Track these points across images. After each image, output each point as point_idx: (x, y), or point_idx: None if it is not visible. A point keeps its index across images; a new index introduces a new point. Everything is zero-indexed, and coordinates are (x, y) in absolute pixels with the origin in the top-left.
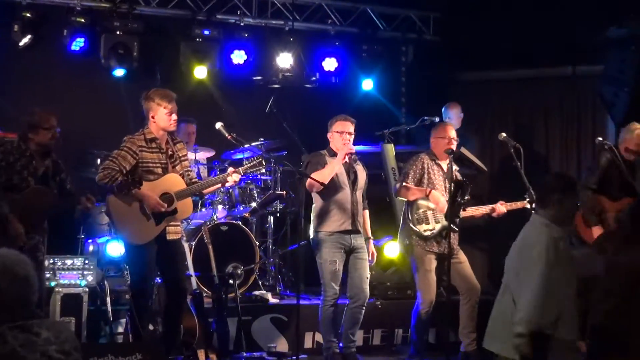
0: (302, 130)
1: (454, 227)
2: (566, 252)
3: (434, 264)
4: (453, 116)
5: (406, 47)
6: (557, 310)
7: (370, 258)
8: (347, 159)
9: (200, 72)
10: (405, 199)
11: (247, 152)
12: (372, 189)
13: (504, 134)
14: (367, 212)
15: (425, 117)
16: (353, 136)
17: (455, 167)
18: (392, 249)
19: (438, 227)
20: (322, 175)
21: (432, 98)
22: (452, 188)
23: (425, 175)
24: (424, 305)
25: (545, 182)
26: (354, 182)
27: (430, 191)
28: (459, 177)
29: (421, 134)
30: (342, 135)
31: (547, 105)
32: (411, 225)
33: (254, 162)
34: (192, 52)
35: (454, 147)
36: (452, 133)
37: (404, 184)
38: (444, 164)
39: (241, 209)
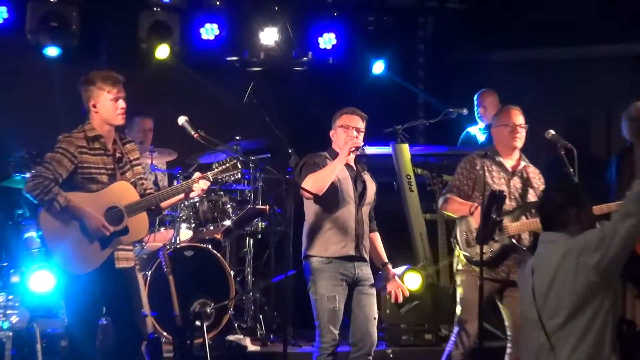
0: (291, 127)
1: (517, 247)
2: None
3: (484, 294)
4: (488, 107)
5: (424, 19)
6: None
7: (393, 290)
8: (353, 156)
9: (161, 51)
10: (452, 215)
11: (222, 156)
12: (382, 203)
13: (552, 131)
14: (377, 234)
15: (450, 109)
16: (362, 134)
17: (527, 165)
18: (413, 280)
19: (496, 247)
20: (319, 179)
21: (459, 84)
22: (485, 201)
23: (481, 182)
24: (464, 342)
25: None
26: (361, 195)
27: (475, 208)
28: (536, 180)
29: (445, 130)
30: (347, 131)
31: (610, 93)
32: (459, 248)
33: (227, 164)
34: (149, 26)
35: (520, 139)
36: (519, 119)
37: (447, 195)
38: (510, 162)
39: (211, 228)
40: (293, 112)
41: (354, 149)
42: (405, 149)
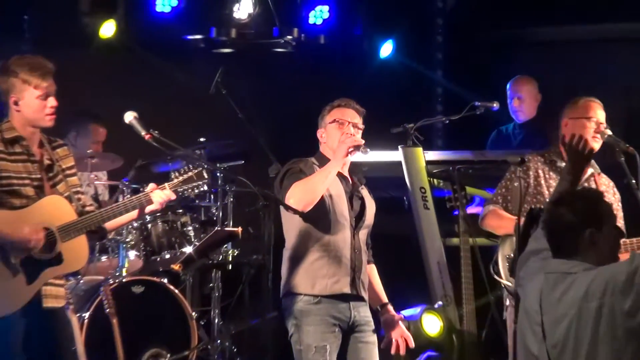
0: (271, 126)
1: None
2: None
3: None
4: (526, 98)
5: None
6: None
7: (394, 339)
8: (348, 164)
9: (106, 29)
10: (495, 232)
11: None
12: (388, 224)
13: (608, 131)
14: (374, 267)
15: (477, 102)
16: (360, 132)
17: (597, 173)
18: (430, 324)
19: None
20: (308, 188)
21: (488, 70)
22: (522, 222)
23: (534, 191)
24: None
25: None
26: (358, 216)
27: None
28: (609, 193)
29: (470, 130)
30: (341, 127)
31: None
32: (501, 276)
33: (189, 174)
34: None
35: (598, 140)
36: (602, 115)
37: (490, 207)
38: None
39: (167, 257)
40: (274, 107)
41: (352, 148)
42: (419, 155)
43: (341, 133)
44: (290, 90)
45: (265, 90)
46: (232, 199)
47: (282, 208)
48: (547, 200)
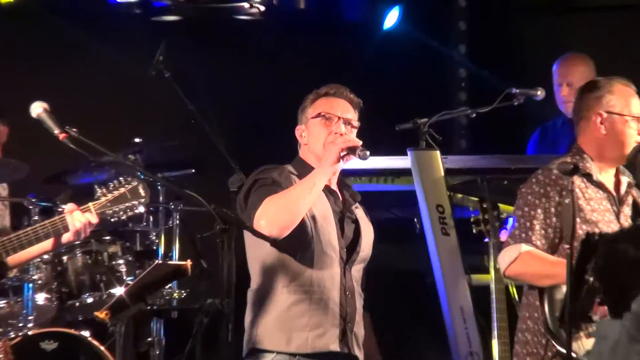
0: (231, 121)
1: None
2: None
3: None
4: (577, 83)
5: None
6: None
7: None
8: (337, 174)
9: None
10: (534, 284)
11: (110, 173)
12: (390, 256)
13: None
14: (366, 316)
15: (514, 89)
16: (355, 130)
17: (630, 184)
18: None
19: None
20: (286, 205)
21: (526, 44)
22: (576, 255)
23: (569, 217)
24: None
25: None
26: (352, 245)
27: None
28: None
29: (505, 127)
30: (329, 123)
31: None
32: (555, 336)
33: (120, 190)
34: None
35: None
36: None
37: (521, 249)
38: (608, 180)
39: (89, 301)
40: (236, 95)
41: (345, 151)
42: (436, 160)
43: (329, 132)
44: (259, 73)
45: (224, 73)
46: (178, 222)
47: (247, 233)
48: (593, 228)
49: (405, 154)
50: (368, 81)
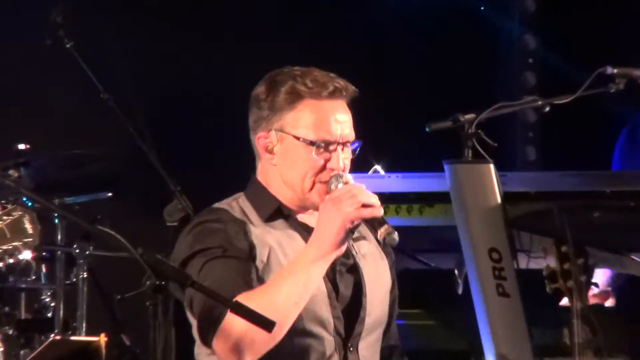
0: (164, 117)
1: None
2: None
3: None
4: None
5: None
6: None
7: None
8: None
9: None
10: None
11: None
12: (413, 327)
13: None
14: None
15: (611, 68)
16: (350, 155)
17: None
18: None
19: None
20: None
21: (614, 16)
22: None
23: None
24: None
25: None
26: (354, 310)
27: None
28: None
29: (593, 126)
30: (323, 153)
31: None
32: None
33: None
34: None
35: None
36: None
37: None
38: None
39: None
40: (179, 82)
41: (359, 220)
42: (488, 179)
43: (320, 165)
44: (213, 51)
45: (160, 48)
46: (85, 275)
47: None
48: None
49: (440, 170)
50: (379, 59)
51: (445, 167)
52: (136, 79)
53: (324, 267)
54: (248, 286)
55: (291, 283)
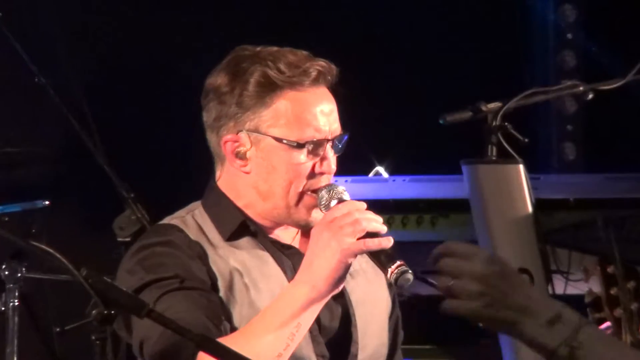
0: (118, 110)
1: None
2: None
3: None
4: None
5: None
6: None
7: None
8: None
9: None
10: None
11: None
12: None
13: None
14: None
15: None
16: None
17: None
18: None
19: None
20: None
21: None
22: None
23: None
24: None
25: None
26: (342, 343)
27: None
28: None
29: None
30: (313, 153)
31: None
32: None
33: None
34: None
35: None
36: None
37: None
38: None
39: None
40: (134, 62)
41: (362, 253)
42: (517, 182)
43: (309, 171)
44: (180, 24)
45: (110, 21)
46: (16, 303)
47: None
48: None
49: (458, 172)
50: (380, 35)
51: (463, 168)
52: (81, 61)
53: (317, 310)
54: (217, 326)
55: (276, 332)
